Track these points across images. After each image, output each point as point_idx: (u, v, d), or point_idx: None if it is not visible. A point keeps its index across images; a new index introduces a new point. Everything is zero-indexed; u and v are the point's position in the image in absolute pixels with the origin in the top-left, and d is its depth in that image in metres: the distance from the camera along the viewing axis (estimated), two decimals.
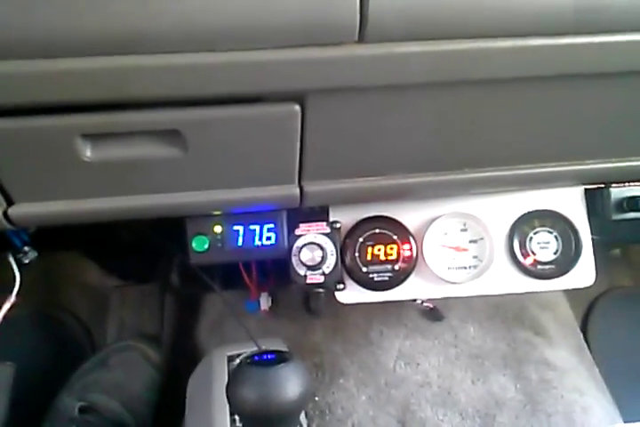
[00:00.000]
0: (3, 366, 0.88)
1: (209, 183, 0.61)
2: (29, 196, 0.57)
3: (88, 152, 0.53)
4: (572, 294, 1.15)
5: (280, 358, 0.58)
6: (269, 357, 0.59)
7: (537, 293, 1.01)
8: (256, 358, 0.59)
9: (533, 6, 0.48)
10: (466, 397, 0.93)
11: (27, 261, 0.78)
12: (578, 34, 0.51)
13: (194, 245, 0.73)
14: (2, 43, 0.43)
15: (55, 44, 0.44)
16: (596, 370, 1.06)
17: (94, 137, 0.53)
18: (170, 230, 0.77)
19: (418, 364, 0.97)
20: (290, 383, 0.54)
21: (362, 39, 0.48)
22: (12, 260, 0.77)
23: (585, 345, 1.10)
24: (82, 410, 0.83)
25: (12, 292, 0.78)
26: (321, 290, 0.81)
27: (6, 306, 0.78)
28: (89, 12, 0.43)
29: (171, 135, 0.53)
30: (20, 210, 0.58)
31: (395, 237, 0.80)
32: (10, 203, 0.58)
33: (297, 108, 0.53)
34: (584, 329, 1.17)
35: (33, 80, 0.45)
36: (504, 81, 0.55)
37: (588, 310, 1.22)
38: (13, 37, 0.43)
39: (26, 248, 0.78)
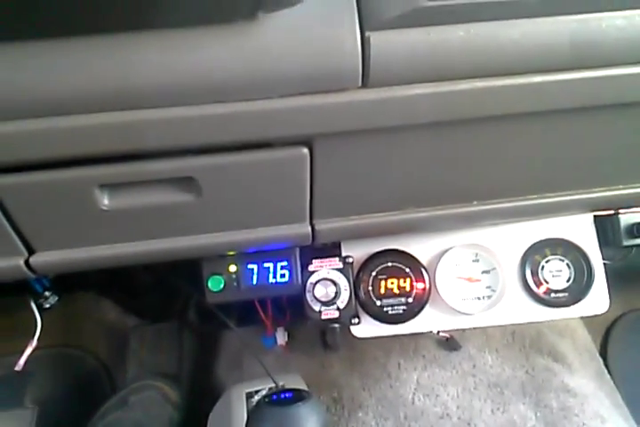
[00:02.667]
0: (25, 409, 0.88)
1: (223, 225, 0.62)
2: (50, 245, 0.59)
3: (106, 201, 0.55)
4: (589, 318, 1.14)
5: (298, 396, 0.59)
6: (287, 395, 0.59)
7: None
8: (274, 397, 0.59)
9: (531, 46, 0.50)
10: None
11: (48, 306, 0.79)
12: (575, 69, 0.53)
13: (209, 284, 0.74)
14: (23, 103, 0.45)
15: (72, 102, 0.46)
16: (618, 396, 1.04)
17: (112, 187, 0.54)
18: (186, 270, 0.78)
19: (437, 395, 0.96)
20: (308, 422, 0.54)
21: (365, 84, 0.49)
22: (33, 305, 0.79)
23: (605, 370, 1.09)
24: None
25: (33, 336, 0.79)
26: (336, 325, 0.81)
27: (28, 351, 0.79)
28: (105, 71, 0.45)
29: (185, 182, 0.55)
30: (40, 259, 0.59)
31: (407, 270, 0.81)
32: (31, 252, 0.59)
33: (305, 151, 0.55)
34: (603, 354, 1.15)
35: (52, 136, 0.47)
36: (506, 117, 0.56)
37: (607, 335, 1.21)
38: (32, 98, 0.45)
39: (47, 293, 0.79)
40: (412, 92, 0.51)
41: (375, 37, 0.47)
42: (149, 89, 0.46)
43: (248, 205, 0.60)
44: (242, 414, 0.83)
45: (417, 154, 0.59)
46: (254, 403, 0.78)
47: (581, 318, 1.15)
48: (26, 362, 0.81)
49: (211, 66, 0.46)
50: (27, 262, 0.59)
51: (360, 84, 0.49)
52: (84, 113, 0.46)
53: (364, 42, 0.47)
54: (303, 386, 0.88)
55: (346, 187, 0.61)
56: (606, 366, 1.10)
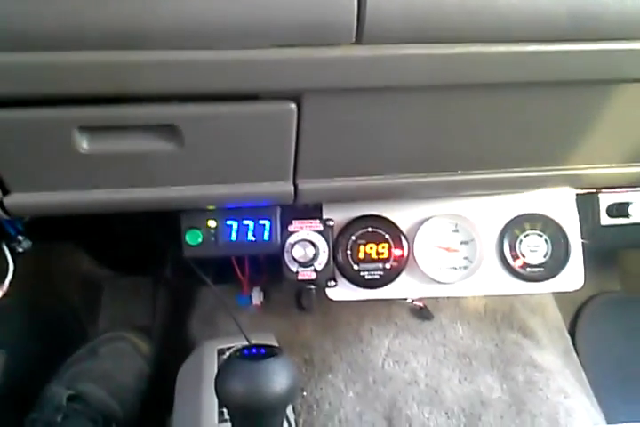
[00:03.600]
0: None
1: (204, 178, 0.61)
2: (25, 186, 0.58)
3: (85, 144, 0.54)
4: (561, 297, 1.16)
5: (269, 352, 0.59)
6: (259, 351, 0.60)
7: (526, 295, 1.04)
8: (245, 352, 0.59)
9: (529, 12, 0.49)
10: (452, 395, 0.93)
11: (20, 250, 0.78)
12: (572, 41, 0.52)
13: (187, 238, 0.73)
14: (3, 34, 0.44)
15: (56, 38, 0.44)
16: (583, 373, 1.07)
17: (91, 129, 0.53)
18: (164, 223, 0.77)
19: (406, 362, 0.97)
20: (277, 377, 0.54)
21: (359, 40, 0.48)
22: (5, 249, 0.78)
23: (572, 348, 1.11)
24: (70, 399, 0.83)
25: (4, 281, 0.78)
26: (312, 286, 0.81)
27: None
28: (91, 8, 0.43)
29: (167, 130, 0.54)
30: (15, 200, 0.58)
31: (387, 237, 0.81)
32: (5, 192, 0.58)
33: (293, 106, 0.54)
34: (572, 332, 1.17)
35: (33, 72, 0.46)
36: (498, 85, 0.56)
37: (577, 314, 1.23)
38: (15, 29, 0.43)
39: (20, 237, 0.78)
40: (406, 51, 0.50)
41: None
42: (136, 29, 0.44)
43: (230, 159, 0.59)
44: (212, 370, 0.84)
45: (406, 117, 0.58)
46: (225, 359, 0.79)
47: (554, 296, 1.16)
48: None
49: (202, 9, 0.45)
50: (0, 203, 0.58)
51: (354, 39, 0.48)
52: (68, 50, 0.45)
53: None
54: (275, 345, 0.88)
55: (331, 147, 0.61)
56: (574, 344, 1.12)
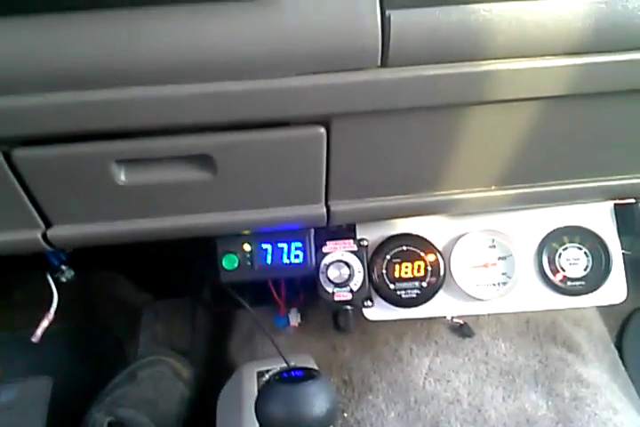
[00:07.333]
0: (41, 379, 0.90)
1: (238, 204, 0.62)
2: (67, 218, 0.60)
3: (122, 177, 0.55)
4: (605, 309, 1.13)
5: (308, 374, 0.59)
6: (297, 374, 0.60)
7: (569, 309, 1.01)
8: (284, 375, 0.59)
9: (555, 26, 0.49)
10: (496, 414, 0.91)
11: (64, 280, 0.81)
12: (599, 52, 0.52)
13: (224, 263, 0.74)
14: (39, 77, 0.45)
15: (87, 77, 0.46)
16: (632, 388, 1.03)
17: (128, 162, 0.55)
18: (201, 249, 0.79)
19: (448, 381, 0.96)
20: (317, 400, 0.54)
21: (384, 64, 0.49)
22: (49, 279, 0.80)
23: (620, 362, 1.08)
24: (110, 425, 0.84)
25: (49, 309, 0.80)
26: (349, 307, 0.81)
27: (44, 323, 0.80)
28: (120, 47, 0.45)
29: (201, 159, 0.55)
30: (57, 232, 0.60)
31: (422, 255, 0.80)
32: (48, 225, 0.60)
33: (322, 130, 0.55)
34: (619, 346, 1.14)
35: (68, 110, 0.48)
36: (527, 100, 0.56)
37: (623, 326, 1.19)
38: (50, 72, 0.45)
39: (63, 267, 0.80)
40: (432, 72, 0.50)
41: (396, 16, 0.46)
42: (167, 64, 0.46)
43: (264, 184, 0.60)
44: (253, 393, 0.84)
45: (435, 136, 0.58)
46: (264, 382, 0.79)
47: (598, 308, 1.13)
48: (42, 335, 0.82)
49: (227, 42, 0.46)
50: (44, 236, 0.60)
51: (379, 63, 0.49)
52: (100, 88, 0.47)
53: (385, 20, 0.46)
54: (314, 367, 0.88)
55: (362, 168, 0.61)
56: (621, 358, 1.09)
